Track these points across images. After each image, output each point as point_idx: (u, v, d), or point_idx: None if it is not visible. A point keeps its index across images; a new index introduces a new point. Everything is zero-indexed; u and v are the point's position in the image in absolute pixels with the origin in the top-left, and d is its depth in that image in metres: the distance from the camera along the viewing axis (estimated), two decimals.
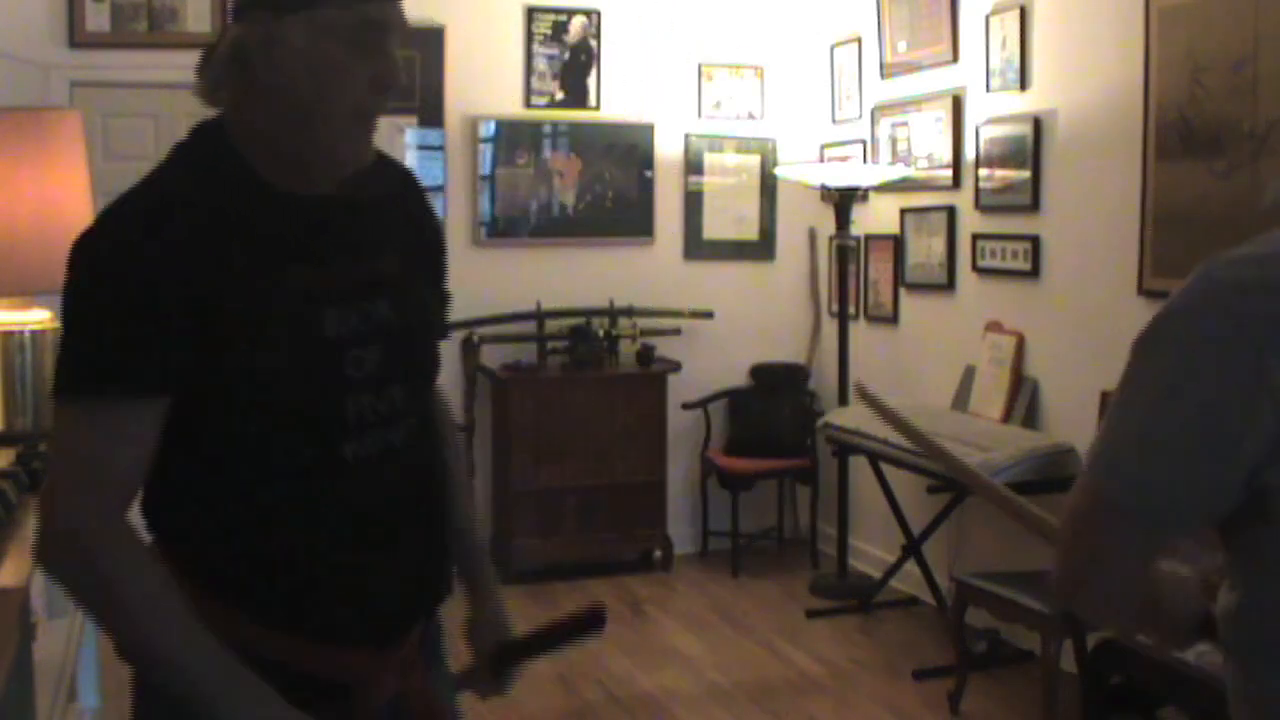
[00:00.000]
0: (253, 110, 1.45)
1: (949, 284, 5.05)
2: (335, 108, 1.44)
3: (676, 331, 5.80)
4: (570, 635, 1.79)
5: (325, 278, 1.48)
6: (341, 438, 1.49)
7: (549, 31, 5.69)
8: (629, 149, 5.83)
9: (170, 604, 1.39)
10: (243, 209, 1.44)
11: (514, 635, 1.86)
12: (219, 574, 1.46)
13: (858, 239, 5.52)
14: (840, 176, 5.31)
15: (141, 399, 1.39)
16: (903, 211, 5.32)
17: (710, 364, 5.87)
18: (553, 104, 5.73)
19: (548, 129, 5.72)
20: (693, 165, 5.94)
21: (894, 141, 5.40)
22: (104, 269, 1.39)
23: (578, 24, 5.73)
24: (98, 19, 5.11)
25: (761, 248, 6.08)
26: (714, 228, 6.00)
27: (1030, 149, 4.52)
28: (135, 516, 1.47)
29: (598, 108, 5.78)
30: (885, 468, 4.90)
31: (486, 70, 5.61)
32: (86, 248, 1.41)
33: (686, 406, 5.74)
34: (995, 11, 4.71)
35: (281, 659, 1.45)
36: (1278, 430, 1.14)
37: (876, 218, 5.52)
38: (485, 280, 5.60)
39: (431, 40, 5.48)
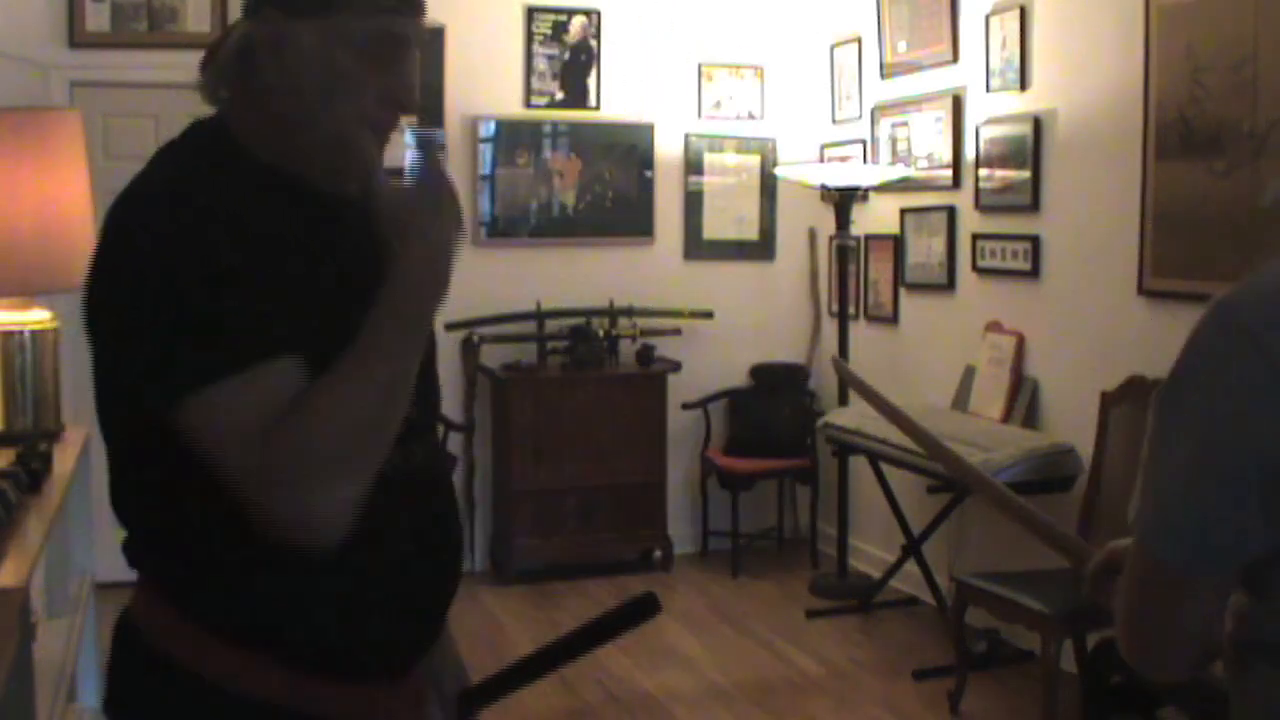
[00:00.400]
0: (256, 110, 1.41)
1: (949, 284, 5.05)
2: (339, 115, 1.39)
3: (676, 331, 5.80)
4: (623, 625, 1.71)
5: (344, 277, 1.42)
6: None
7: (549, 31, 5.69)
8: (629, 149, 5.83)
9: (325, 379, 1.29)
10: (264, 199, 1.38)
11: (470, 683, 1.73)
12: (227, 611, 1.34)
13: (858, 239, 5.52)
14: (840, 176, 5.31)
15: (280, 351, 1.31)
16: (903, 211, 5.32)
17: (710, 364, 5.87)
18: (553, 104, 5.73)
19: (548, 129, 5.72)
20: (693, 165, 5.94)
21: (894, 141, 5.40)
22: (158, 260, 1.28)
23: (578, 24, 5.73)
24: (98, 19, 5.11)
25: (761, 248, 6.08)
26: (714, 228, 6.00)
27: (1030, 149, 4.52)
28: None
29: (598, 108, 5.78)
30: (885, 468, 4.90)
31: (486, 70, 5.61)
32: (132, 245, 1.31)
33: (686, 406, 5.74)
34: (995, 11, 4.71)
35: (296, 704, 1.35)
36: None
37: (876, 218, 5.52)
38: (485, 280, 5.60)
39: (431, 40, 5.48)
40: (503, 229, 5.69)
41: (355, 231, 1.46)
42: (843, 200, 5.30)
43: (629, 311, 5.71)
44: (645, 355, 5.66)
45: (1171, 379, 1.22)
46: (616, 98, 5.80)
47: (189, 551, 1.35)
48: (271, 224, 1.37)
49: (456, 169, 5.59)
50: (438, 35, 5.50)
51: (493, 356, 5.56)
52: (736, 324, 5.95)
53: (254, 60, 1.39)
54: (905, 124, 5.32)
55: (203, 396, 1.26)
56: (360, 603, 1.38)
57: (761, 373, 5.96)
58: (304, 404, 1.27)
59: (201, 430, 1.27)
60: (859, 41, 5.62)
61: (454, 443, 5.48)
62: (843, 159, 5.73)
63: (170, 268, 1.28)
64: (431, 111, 5.51)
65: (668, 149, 5.90)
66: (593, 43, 5.76)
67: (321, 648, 1.36)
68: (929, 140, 5.15)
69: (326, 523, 1.26)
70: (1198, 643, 1.23)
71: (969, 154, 4.90)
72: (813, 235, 6.08)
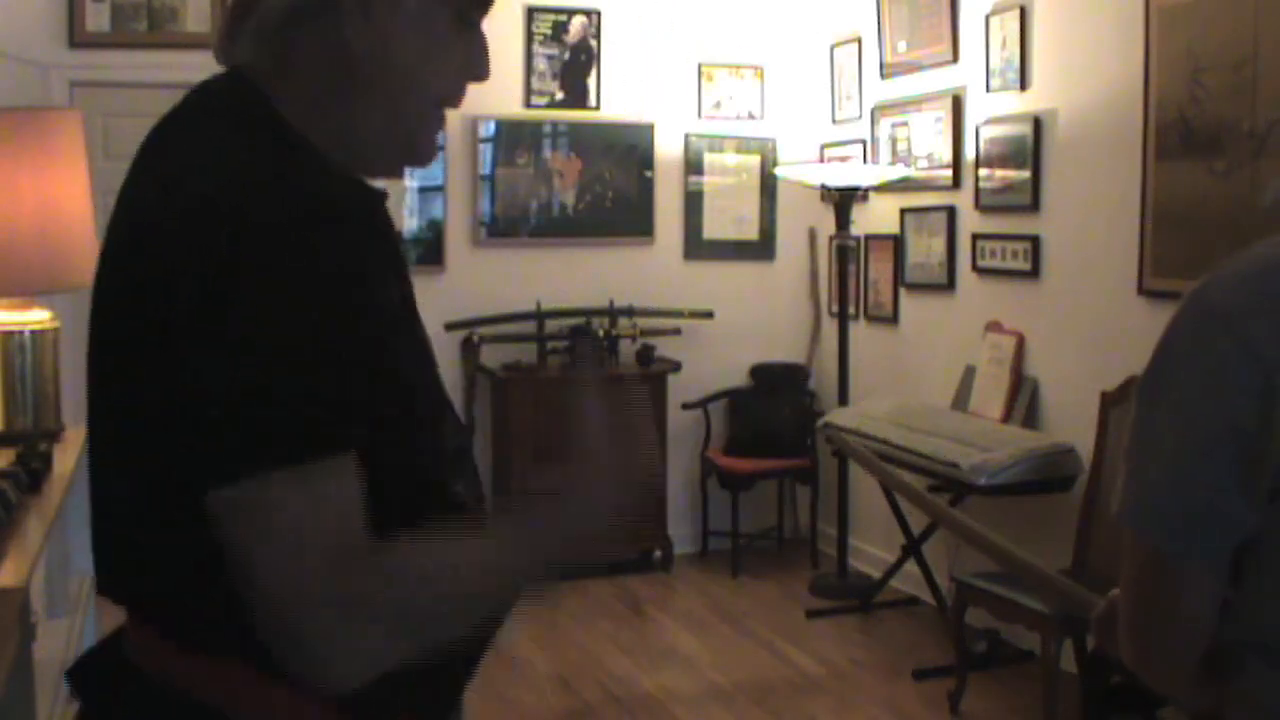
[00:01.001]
0: (322, 80, 1.18)
1: (949, 284, 5.05)
2: (427, 89, 1.23)
3: (676, 331, 5.80)
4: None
5: (404, 289, 1.24)
6: (449, 472, 1.28)
7: (549, 31, 5.69)
8: (629, 149, 5.83)
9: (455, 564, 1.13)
10: (341, 203, 1.16)
11: None
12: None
13: (858, 239, 5.52)
14: (840, 176, 5.31)
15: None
16: (903, 211, 5.32)
17: (710, 364, 5.87)
18: (553, 104, 5.73)
19: (548, 129, 5.72)
20: (693, 165, 5.94)
21: (894, 141, 5.40)
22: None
23: (578, 24, 5.73)
24: (98, 19, 5.11)
25: (761, 248, 6.08)
26: (714, 228, 6.00)
27: (1030, 149, 4.52)
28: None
29: (598, 108, 5.78)
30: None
31: None
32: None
33: (686, 406, 5.74)
34: (995, 11, 4.71)
35: None
36: None
37: (876, 218, 5.52)
38: (485, 280, 5.60)
39: None
40: (503, 229, 5.69)
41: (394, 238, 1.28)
42: (843, 200, 5.30)
43: (629, 311, 5.71)
44: (645, 355, 5.66)
45: (1150, 367, 1.24)
46: (616, 98, 5.80)
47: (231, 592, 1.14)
48: (364, 229, 1.17)
49: (456, 169, 5.59)
50: None
51: (493, 356, 5.56)
52: (736, 324, 5.95)
53: (319, 21, 1.17)
54: (905, 124, 5.32)
55: (284, 480, 1.05)
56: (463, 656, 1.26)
57: (761, 373, 5.96)
58: (409, 552, 1.10)
59: (258, 521, 1.06)
60: (859, 41, 5.62)
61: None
62: (843, 159, 5.73)
63: (343, 298, 1.08)
64: None
65: (668, 149, 5.90)
66: (593, 43, 5.76)
67: (417, 695, 1.22)
68: (929, 140, 5.15)
69: (349, 677, 1.10)
70: (1200, 635, 1.23)
71: (969, 154, 4.90)
72: (813, 235, 6.08)
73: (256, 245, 1.06)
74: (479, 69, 1.27)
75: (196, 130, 1.18)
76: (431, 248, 5.55)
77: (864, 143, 5.60)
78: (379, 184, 1.24)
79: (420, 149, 1.27)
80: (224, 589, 1.12)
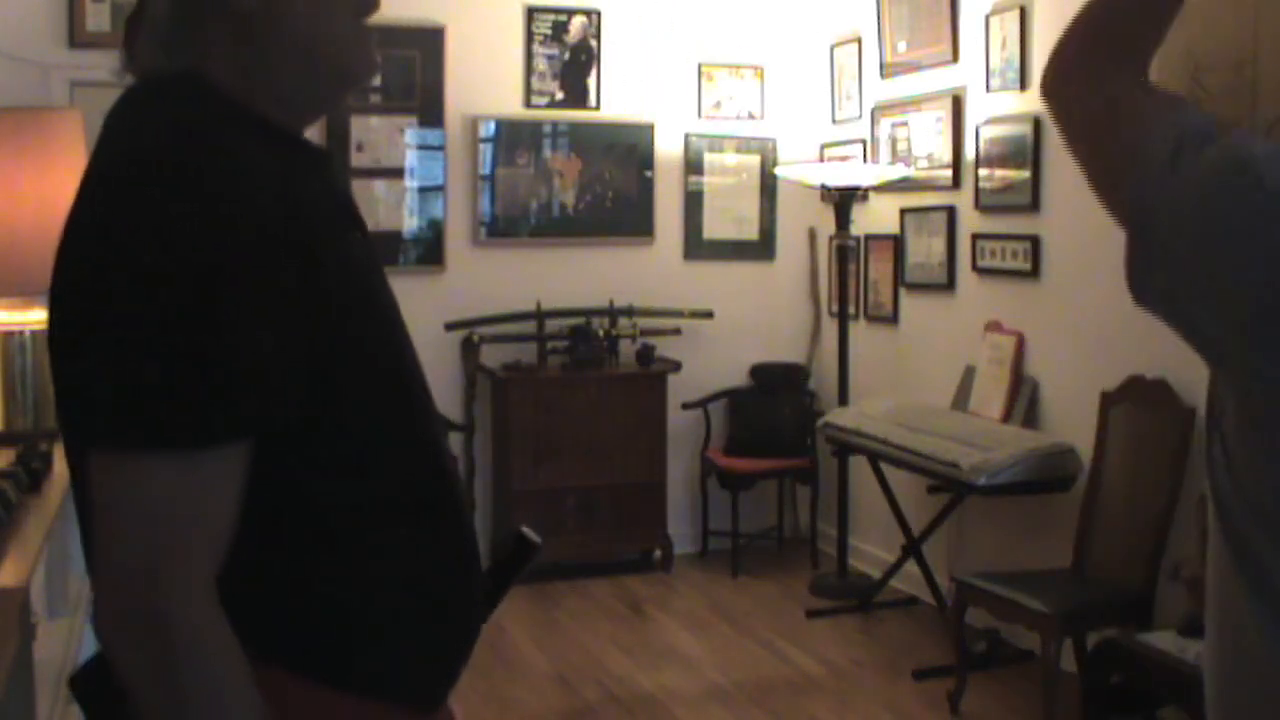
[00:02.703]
0: (242, 52, 1.20)
1: (949, 284, 5.05)
2: (338, 16, 1.23)
3: (676, 331, 5.80)
4: (509, 575, 1.49)
5: (369, 246, 1.29)
6: (437, 435, 1.30)
7: (549, 31, 5.69)
8: (629, 149, 5.83)
9: (249, 706, 1.12)
10: (290, 164, 1.20)
11: None
12: (307, 648, 1.20)
13: (858, 239, 5.52)
14: (840, 176, 5.31)
15: (246, 434, 1.11)
16: (903, 211, 5.32)
17: (710, 364, 5.87)
18: (553, 104, 5.73)
19: (548, 129, 5.72)
20: (693, 165, 5.94)
21: (894, 141, 5.40)
22: (191, 255, 1.07)
23: (578, 24, 5.73)
24: (98, 19, 5.11)
25: (761, 248, 6.08)
26: (714, 228, 6.00)
27: (1030, 149, 4.52)
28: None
29: (598, 108, 5.78)
30: (885, 468, 4.90)
31: (486, 70, 5.61)
32: (145, 228, 1.08)
33: (686, 406, 5.74)
34: (995, 11, 4.71)
35: None
36: None
37: (876, 218, 5.52)
38: (485, 280, 5.60)
39: (431, 40, 5.48)
40: (503, 229, 5.69)
41: (350, 197, 1.33)
42: (843, 200, 5.30)
43: (629, 311, 5.71)
44: (645, 355, 5.66)
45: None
46: (616, 98, 5.80)
47: (259, 588, 1.18)
48: (317, 192, 1.21)
49: (456, 169, 5.59)
50: (438, 35, 5.50)
51: (493, 356, 5.56)
52: (736, 324, 5.95)
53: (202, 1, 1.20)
54: (905, 124, 5.32)
55: (154, 459, 1.07)
56: (456, 630, 1.32)
57: (761, 373, 5.96)
58: (214, 680, 1.09)
59: (118, 499, 1.08)
60: (859, 41, 5.62)
61: (454, 443, 5.48)
62: (843, 159, 5.73)
63: (276, 273, 1.10)
64: (431, 111, 5.51)
65: (668, 149, 5.90)
66: (593, 43, 5.76)
67: (403, 674, 1.27)
68: (929, 140, 5.15)
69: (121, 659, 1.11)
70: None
71: (969, 154, 4.90)
72: (813, 235, 6.08)
73: (187, 213, 1.08)
74: None
75: (141, 117, 1.20)
76: (431, 248, 5.55)
77: (864, 143, 5.60)
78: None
79: (353, 67, 1.27)
80: (245, 586, 1.15)
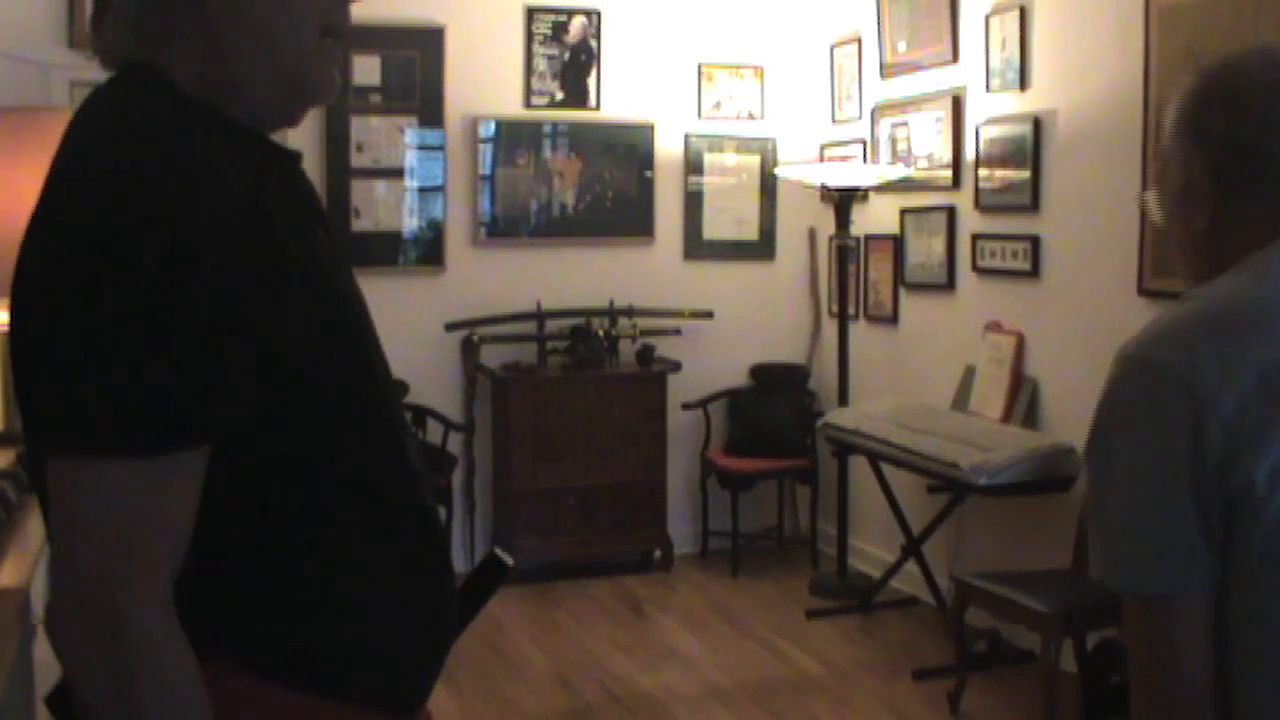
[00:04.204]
0: (203, 47, 1.19)
1: (949, 284, 5.05)
2: (298, 18, 1.21)
3: (676, 331, 5.80)
4: (481, 595, 1.47)
5: (334, 245, 1.28)
6: (402, 436, 1.28)
7: (549, 31, 5.69)
8: (629, 149, 5.83)
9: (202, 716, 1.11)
10: (249, 160, 1.18)
11: None
12: (289, 656, 1.19)
13: (858, 239, 5.52)
14: (840, 176, 5.31)
15: (205, 439, 1.10)
16: (903, 211, 5.32)
17: (710, 364, 5.87)
18: (553, 104, 5.73)
19: (548, 129, 5.72)
20: (693, 165, 5.94)
21: (894, 141, 5.40)
22: (146, 255, 1.04)
23: (578, 24, 5.73)
24: None
25: (761, 248, 6.08)
26: (714, 228, 6.00)
27: (1030, 149, 4.52)
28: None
29: (598, 108, 5.78)
30: (885, 468, 4.90)
31: (486, 70, 5.61)
32: (99, 224, 1.06)
33: (686, 406, 5.74)
34: (995, 11, 4.71)
35: None
36: (1224, 448, 1.19)
37: (876, 218, 5.52)
38: (485, 280, 5.60)
39: (431, 40, 5.48)
40: (503, 229, 5.69)
41: (312, 193, 1.32)
42: (843, 200, 5.30)
43: (629, 311, 5.71)
44: (645, 355, 5.66)
45: (1097, 431, 1.28)
46: (616, 98, 5.80)
47: (238, 596, 1.18)
48: (274, 189, 1.19)
49: (456, 169, 5.59)
50: (438, 35, 5.49)
51: (493, 356, 5.56)
52: (736, 324, 5.95)
53: None
54: (905, 124, 5.32)
55: (107, 464, 1.05)
56: (424, 634, 1.30)
57: (761, 373, 5.96)
58: (166, 693, 1.09)
59: (71, 497, 1.07)
60: (859, 41, 5.62)
61: (454, 443, 5.48)
62: (843, 159, 5.73)
63: (226, 266, 1.07)
64: (431, 111, 5.51)
65: (668, 149, 5.90)
66: (593, 43, 5.75)
67: (385, 681, 1.25)
68: (929, 140, 5.15)
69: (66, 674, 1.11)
70: (1200, 676, 1.23)
71: (969, 154, 4.90)
72: (813, 235, 6.08)
73: (139, 212, 1.06)
74: None
75: (99, 112, 1.19)
76: (431, 248, 5.55)
77: (864, 143, 5.60)
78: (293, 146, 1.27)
79: (311, 84, 1.25)
80: (208, 589, 1.15)
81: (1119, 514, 1.25)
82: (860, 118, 5.65)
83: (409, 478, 1.28)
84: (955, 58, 4.97)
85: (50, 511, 1.10)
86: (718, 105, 5.97)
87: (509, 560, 1.46)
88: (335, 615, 1.21)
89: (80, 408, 1.05)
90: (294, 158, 1.28)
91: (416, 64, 5.46)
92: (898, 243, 5.37)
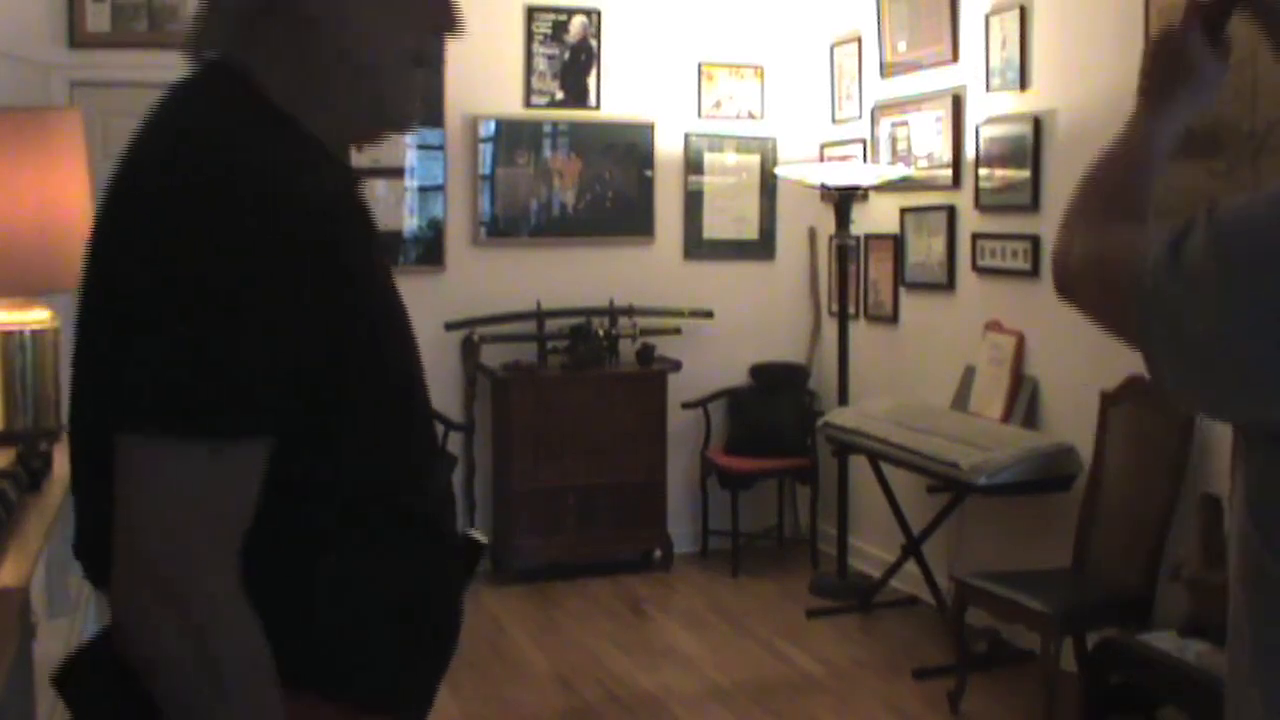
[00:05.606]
0: (293, 57, 1.22)
1: (949, 284, 5.05)
2: (393, 45, 1.24)
3: (676, 331, 5.80)
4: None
5: (385, 257, 1.33)
6: (433, 457, 1.34)
7: (549, 31, 5.69)
8: (629, 149, 5.83)
9: (274, 699, 1.15)
10: (323, 174, 1.21)
11: None
12: (293, 655, 1.19)
13: (858, 239, 5.52)
14: (840, 176, 5.31)
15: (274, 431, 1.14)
16: (903, 211, 5.32)
17: (710, 363, 5.87)
18: (553, 104, 5.73)
19: (548, 129, 5.72)
20: (693, 165, 5.94)
21: (894, 141, 5.40)
22: (265, 257, 1.10)
23: (578, 24, 5.73)
24: (98, 19, 5.11)
25: (761, 247, 6.08)
26: (714, 227, 6.00)
27: (1030, 149, 4.52)
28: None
29: (598, 107, 5.78)
30: (885, 467, 4.90)
31: (486, 70, 5.60)
32: (223, 223, 1.09)
33: (686, 406, 5.74)
34: (995, 11, 4.71)
35: None
36: None
37: (876, 217, 5.52)
38: (485, 280, 5.60)
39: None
40: (503, 229, 5.69)
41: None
42: (843, 200, 5.30)
43: (629, 311, 5.71)
44: (645, 355, 5.66)
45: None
46: (616, 98, 5.80)
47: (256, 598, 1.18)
48: (356, 206, 1.24)
49: (456, 169, 5.59)
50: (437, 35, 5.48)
51: (493, 356, 5.56)
52: (736, 324, 5.95)
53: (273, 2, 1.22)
54: (905, 124, 5.32)
55: (190, 446, 1.09)
56: (433, 646, 1.33)
57: (761, 372, 5.96)
58: (244, 670, 1.12)
59: (152, 483, 1.10)
60: (859, 41, 5.62)
61: (454, 443, 5.48)
62: (843, 159, 5.73)
63: (328, 269, 1.13)
64: (431, 111, 5.51)
65: (668, 149, 5.90)
66: (593, 42, 5.75)
67: (391, 687, 1.27)
68: (929, 140, 5.15)
69: (146, 644, 1.12)
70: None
71: (969, 154, 4.90)
72: (813, 235, 6.08)
73: (227, 214, 1.10)
74: (445, 19, 1.28)
75: (184, 112, 1.21)
76: (431, 247, 5.55)
77: (864, 142, 5.60)
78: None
79: (394, 112, 1.28)
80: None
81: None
82: (860, 117, 5.65)
83: (434, 497, 1.31)
84: (955, 57, 4.97)
85: (120, 487, 1.11)
86: (718, 105, 5.97)
87: (483, 539, 1.50)
88: (348, 622, 1.22)
89: (163, 392, 1.09)
90: (357, 176, 1.31)
91: None
92: (898, 242, 5.37)
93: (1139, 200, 1.28)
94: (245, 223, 1.10)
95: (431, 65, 1.29)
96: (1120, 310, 1.18)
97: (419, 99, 1.29)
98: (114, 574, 1.11)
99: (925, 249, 5.19)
